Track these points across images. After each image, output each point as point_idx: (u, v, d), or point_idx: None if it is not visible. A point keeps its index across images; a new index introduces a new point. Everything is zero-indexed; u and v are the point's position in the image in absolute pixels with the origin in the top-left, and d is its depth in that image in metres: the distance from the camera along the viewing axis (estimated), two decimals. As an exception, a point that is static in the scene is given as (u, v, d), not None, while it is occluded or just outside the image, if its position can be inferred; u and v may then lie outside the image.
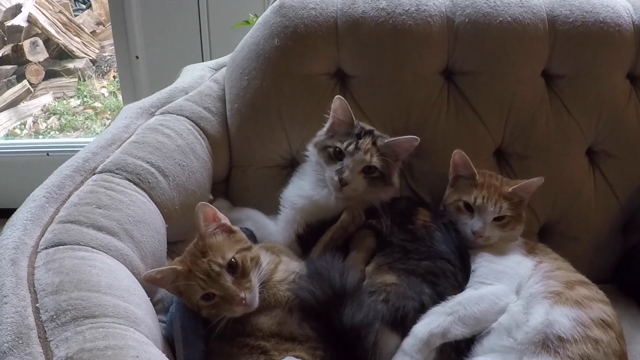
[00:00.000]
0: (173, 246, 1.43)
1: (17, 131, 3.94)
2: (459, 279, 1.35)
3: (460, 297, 1.29)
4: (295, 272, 1.31)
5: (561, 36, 1.67)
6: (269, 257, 1.31)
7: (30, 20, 4.16)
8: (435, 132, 1.66)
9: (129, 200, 1.29)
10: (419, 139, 1.45)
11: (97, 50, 4.43)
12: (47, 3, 4.23)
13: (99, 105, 4.25)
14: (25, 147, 3.22)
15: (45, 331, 0.95)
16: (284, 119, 1.66)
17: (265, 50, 1.65)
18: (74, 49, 4.31)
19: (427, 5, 1.65)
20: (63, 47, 4.27)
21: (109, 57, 4.41)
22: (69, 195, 1.24)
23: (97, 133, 3.88)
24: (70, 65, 4.29)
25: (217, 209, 1.28)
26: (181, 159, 1.48)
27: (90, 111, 4.20)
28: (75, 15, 4.45)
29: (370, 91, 1.67)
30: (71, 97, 4.26)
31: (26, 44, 4.13)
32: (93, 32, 4.45)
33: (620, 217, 1.77)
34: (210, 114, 1.66)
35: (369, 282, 1.31)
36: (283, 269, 1.32)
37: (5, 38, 4.14)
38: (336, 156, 1.44)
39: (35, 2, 4.16)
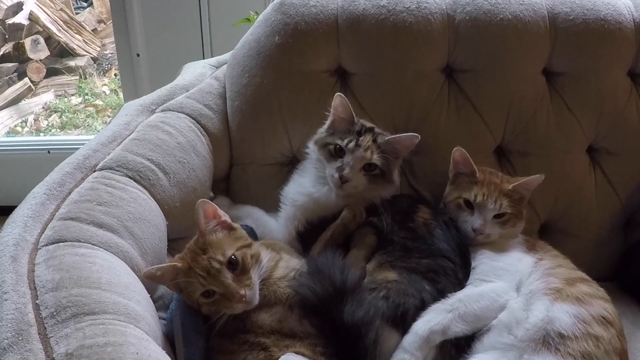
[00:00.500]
0: (174, 243, 1.43)
1: (19, 129, 3.95)
2: (460, 277, 1.35)
3: (460, 295, 1.29)
4: (295, 269, 1.31)
5: (562, 34, 1.67)
6: (270, 254, 1.31)
7: (32, 18, 4.17)
8: (436, 130, 1.66)
9: (130, 197, 1.29)
10: (419, 136, 1.45)
11: (98, 48, 4.43)
12: (48, 1, 4.24)
13: (100, 103, 4.26)
14: (26, 144, 3.23)
15: (46, 328, 0.95)
16: (285, 116, 1.66)
17: (266, 48, 1.65)
18: (75, 46, 4.31)
19: (427, 3, 1.65)
20: (64, 45, 4.28)
21: (110, 55, 4.41)
22: (70, 192, 1.24)
23: (98, 131, 3.86)
24: (72, 63, 4.30)
25: (217, 206, 1.28)
26: (182, 156, 1.48)
27: (91, 109, 4.21)
28: (77, 13, 4.46)
29: (370, 89, 1.67)
30: (72, 95, 4.27)
31: (27, 42, 4.13)
32: (94, 30, 4.46)
33: (620, 215, 1.77)
34: (210, 111, 1.66)
35: (369, 279, 1.30)
36: (283, 266, 1.32)
37: (7, 36, 4.15)
38: (337, 153, 1.44)
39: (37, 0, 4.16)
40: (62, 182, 1.25)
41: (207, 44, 2.68)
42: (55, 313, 0.97)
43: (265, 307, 1.24)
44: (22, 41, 4.13)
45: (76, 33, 4.33)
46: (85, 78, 4.32)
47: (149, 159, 1.41)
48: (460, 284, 1.34)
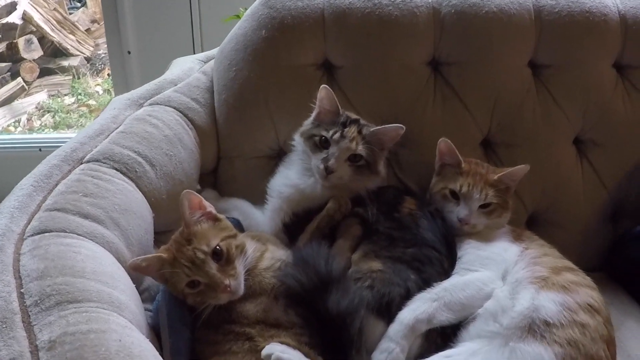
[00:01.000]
0: (161, 236, 1.43)
1: (12, 128, 3.95)
2: (445, 266, 1.36)
3: (446, 284, 1.29)
4: (281, 260, 1.31)
5: (547, 26, 1.68)
6: (255, 245, 1.32)
7: (25, 17, 4.16)
8: (422, 122, 1.67)
9: (116, 189, 1.30)
10: (404, 127, 1.45)
11: (91, 48, 4.43)
12: (42, 1, 4.23)
13: (94, 103, 4.26)
14: (18, 142, 3.21)
15: (29, 316, 0.96)
16: (272, 109, 1.66)
17: (252, 42, 1.66)
18: (69, 46, 4.31)
19: (413, -4, 1.66)
20: (58, 45, 4.27)
21: (103, 55, 4.41)
22: (56, 184, 1.25)
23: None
24: (65, 63, 4.30)
25: (202, 197, 1.29)
26: (168, 149, 1.49)
27: (84, 109, 4.20)
28: (70, 13, 4.46)
29: (357, 82, 1.68)
30: (65, 95, 4.26)
31: (21, 42, 4.13)
32: (88, 30, 4.45)
33: (608, 206, 1.77)
34: (198, 105, 1.67)
35: (354, 269, 1.31)
36: (269, 257, 1.32)
37: (0, 35, 4.14)
38: (322, 145, 1.45)
39: (30, -1, 4.17)
40: (49, 174, 1.26)
41: (198, 41, 2.68)
42: (39, 301, 0.98)
43: (251, 297, 1.24)
44: (15, 41, 4.13)
45: (70, 33, 4.32)
46: (79, 78, 4.32)
47: (135, 152, 1.41)
48: (445, 273, 1.34)
